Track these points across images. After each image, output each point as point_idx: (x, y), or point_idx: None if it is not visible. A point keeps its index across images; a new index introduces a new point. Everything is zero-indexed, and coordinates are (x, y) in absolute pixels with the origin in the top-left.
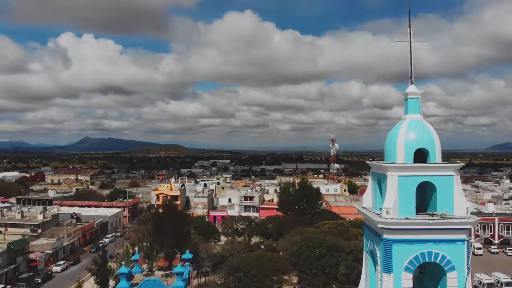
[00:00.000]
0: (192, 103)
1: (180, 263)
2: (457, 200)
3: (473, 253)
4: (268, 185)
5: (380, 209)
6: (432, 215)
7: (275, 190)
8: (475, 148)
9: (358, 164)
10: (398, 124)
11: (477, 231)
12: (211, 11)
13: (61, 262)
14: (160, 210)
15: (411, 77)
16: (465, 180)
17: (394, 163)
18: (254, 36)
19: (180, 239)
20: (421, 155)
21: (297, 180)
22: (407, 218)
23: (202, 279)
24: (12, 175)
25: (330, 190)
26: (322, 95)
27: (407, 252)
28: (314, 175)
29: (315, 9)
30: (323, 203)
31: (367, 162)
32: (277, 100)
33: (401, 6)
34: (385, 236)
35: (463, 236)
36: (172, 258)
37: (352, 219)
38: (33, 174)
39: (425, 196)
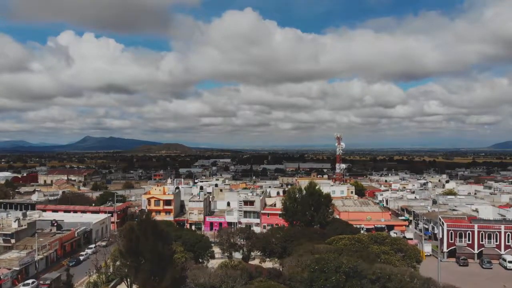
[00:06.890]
0: (193, 102)
1: None
2: None
3: (505, 267)
4: (270, 187)
5: None
6: None
7: (278, 193)
8: (477, 147)
9: (361, 163)
10: None
11: (507, 242)
12: (212, 10)
13: (30, 281)
14: (136, 224)
15: None
16: (475, 181)
17: None
18: (255, 34)
19: (160, 263)
20: None
21: (300, 181)
22: None
23: None
24: (3, 175)
25: (336, 192)
26: (324, 94)
27: None
28: (318, 176)
29: (316, 7)
30: (333, 211)
31: None
32: (279, 98)
33: (402, 4)
34: None
35: None
36: None
37: (363, 226)
38: (25, 174)
39: None
